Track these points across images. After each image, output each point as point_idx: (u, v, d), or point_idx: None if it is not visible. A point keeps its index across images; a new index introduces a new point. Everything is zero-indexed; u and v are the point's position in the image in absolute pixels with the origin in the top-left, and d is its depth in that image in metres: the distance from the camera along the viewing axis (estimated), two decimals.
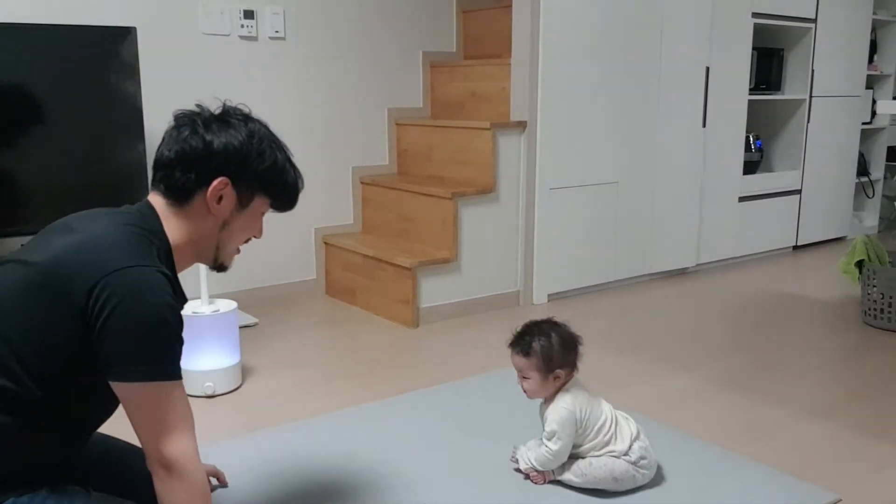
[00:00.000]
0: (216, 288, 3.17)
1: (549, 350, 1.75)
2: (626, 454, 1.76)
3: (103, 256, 1.17)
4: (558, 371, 1.76)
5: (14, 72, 2.45)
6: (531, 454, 1.81)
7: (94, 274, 1.15)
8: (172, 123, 1.34)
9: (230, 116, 1.35)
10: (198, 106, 1.37)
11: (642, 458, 1.77)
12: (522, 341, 1.77)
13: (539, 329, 1.77)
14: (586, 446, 1.78)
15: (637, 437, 1.79)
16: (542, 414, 1.82)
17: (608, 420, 1.78)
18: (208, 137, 1.30)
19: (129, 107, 2.66)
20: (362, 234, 3.58)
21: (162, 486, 1.21)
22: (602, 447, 1.77)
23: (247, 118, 1.36)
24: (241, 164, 1.32)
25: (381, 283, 3.19)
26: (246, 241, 1.43)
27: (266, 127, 1.38)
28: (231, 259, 1.42)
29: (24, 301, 1.18)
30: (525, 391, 1.81)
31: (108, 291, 1.14)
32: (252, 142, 1.33)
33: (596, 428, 1.76)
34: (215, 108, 1.37)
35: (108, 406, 1.32)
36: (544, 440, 1.77)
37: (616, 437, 1.77)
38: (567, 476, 1.78)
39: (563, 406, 1.75)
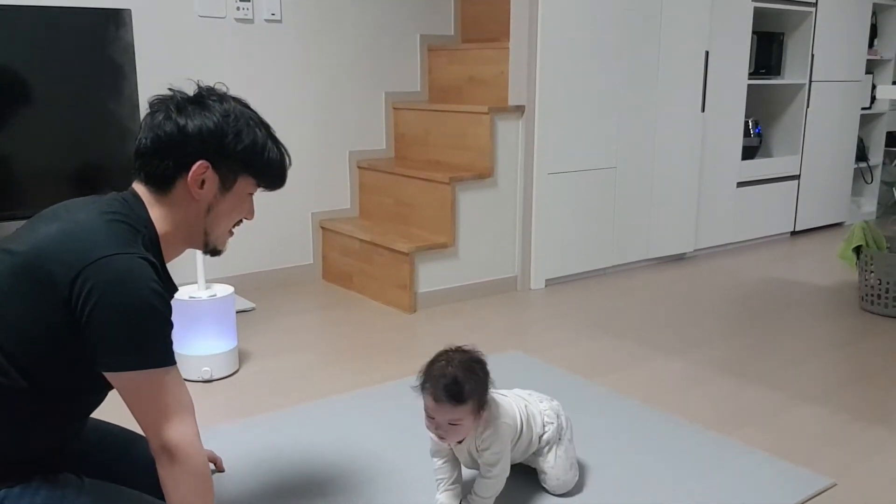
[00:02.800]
0: (213, 273, 3.17)
1: (481, 385, 1.52)
2: (545, 427, 1.72)
3: (85, 245, 1.16)
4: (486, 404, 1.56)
5: (7, 54, 2.43)
6: (480, 499, 1.62)
7: (77, 263, 1.14)
8: (147, 110, 1.31)
9: (205, 98, 1.31)
10: (170, 89, 1.33)
11: (557, 416, 1.74)
12: (450, 389, 1.48)
13: (457, 366, 1.51)
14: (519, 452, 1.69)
15: (543, 405, 1.74)
16: (460, 453, 1.62)
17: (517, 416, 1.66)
18: (181, 121, 1.27)
19: (125, 90, 2.64)
20: (359, 219, 3.57)
21: (165, 471, 1.20)
22: (537, 443, 1.71)
23: (222, 98, 1.32)
24: (218, 145, 1.29)
25: (379, 267, 3.19)
26: (237, 224, 1.40)
27: (245, 105, 1.35)
28: (224, 243, 1.40)
29: (7, 290, 1.16)
30: (444, 439, 1.54)
31: (91, 281, 1.13)
32: (228, 121, 1.29)
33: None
34: (193, 90, 1.34)
35: (98, 394, 1.31)
36: (487, 471, 1.60)
37: (533, 423, 1.69)
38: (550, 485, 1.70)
39: (504, 431, 1.59)
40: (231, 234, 1.41)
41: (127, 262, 1.16)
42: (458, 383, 1.49)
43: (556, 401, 1.79)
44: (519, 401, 1.71)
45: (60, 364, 1.18)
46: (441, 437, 1.54)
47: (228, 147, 1.30)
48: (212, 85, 1.35)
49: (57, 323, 1.15)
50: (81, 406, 1.32)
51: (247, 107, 1.35)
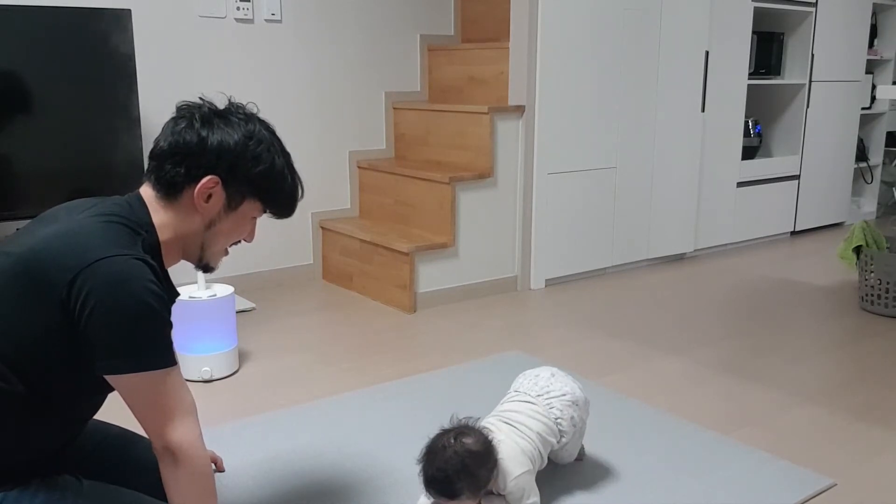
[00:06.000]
0: (213, 272, 3.16)
1: (475, 480, 1.49)
2: (561, 437, 1.68)
3: (82, 247, 1.15)
4: (489, 483, 1.53)
5: (6, 55, 2.43)
6: None
7: (73, 266, 1.13)
8: (174, 114, 1.31)
9: (231, 114, 1.31)
10: (200, 99, 1.33)
11: (573, 422, 1.69)
12: (441, 485, 1.48)
13: (452, 457, 1.48)
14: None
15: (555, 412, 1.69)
16: None
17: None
18: (203, 133, 1.27)
19: (125, 90, 2.64)
20: (359, 219, 3.57)
21: (168, 472, 1.20)
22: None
23: (248, 118, 1.32)
24: (232, 164, 1.28)
25: (379, 267, 3.19)
26: (235, 244, 1.39)
27: (271, 130, 1.34)
28: (217, 260, 1.39)
29: (3, 293, 1.15)
30: None
31: (89, 284, 1.12)
32: (248, 143, 1.29)
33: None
34: (223, 103, 1.34)
35: (98, 397, 1.31)
36: None
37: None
38: None
39: (519, 474, 1.57)
40: (226, 253, 1.40)
41: (123, 264, 1.15)
42: (449, 482, 1.48)
43: (571, 391, 1.71)
44: (527, 443, 1.63)
45: (59, 367, 1.17)
46: None
47: (243, 168, 1.29)
48: (243, 103, 1.35)
49: (55, 326, 1.14)
50: (81, 409, 1.31)
51: (273, 133, 1.35)
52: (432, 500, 1.60)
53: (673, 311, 3.10)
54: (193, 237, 1.33)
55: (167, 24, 3.00)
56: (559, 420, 1.68)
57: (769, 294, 3.34)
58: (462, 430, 1.53)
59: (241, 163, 1.29)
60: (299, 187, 1.38)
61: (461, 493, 1.49)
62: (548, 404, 1.68)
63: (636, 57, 3.50)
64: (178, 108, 1.32)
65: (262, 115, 1.36)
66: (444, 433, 1.53)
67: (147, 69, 2.96)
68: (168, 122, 1.30)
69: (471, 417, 1.59)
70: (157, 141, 1.30)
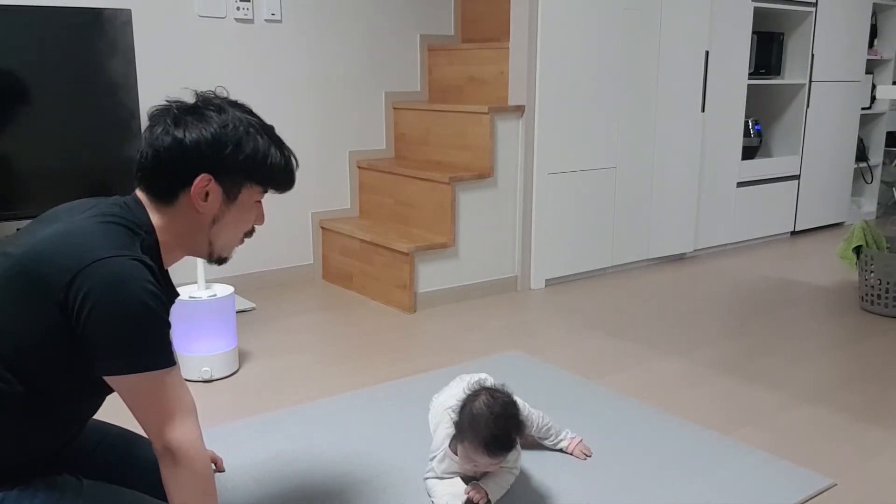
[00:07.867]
0: (213, 273, 3.17)
1: (524, 427, 1.58)
2: None
3: (80, 249, 1.14)
4: None
5: (6, 55, 2.43)
6: (497, 486, 1.66)
7: (72, 267, 1.12)
8: (147, 122, 1.28)
9: (202, 107, 1.28)
10: (167, 100, 1.29)
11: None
12: (503, 441, 1.53)
13: (501, 412, 1.53)
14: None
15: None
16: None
17: None
18: (179, 134, 1.24)
19: (125, 90, 2.64)
20: (359, 219, 3.57)
21: (168, 472, 1.20)
22: None
23: (220, 107, 1.28)
24: (217, 157, 1.25)
25: (379, 268, 3.19)
26: (248, 233, 1.37)
27: (246, 111, 1.31)
28: (230, 251, 1.37)
29: (2, 293, 1.15)
30: (484, 473, 1.63)
31: (87, 286, 1.11)
32: (226, 132, 1.26)
33: None
34: (193, 98, 1.30)
35: (97, 398, 1.30)
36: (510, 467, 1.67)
37: None
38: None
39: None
40: (241, 242, 1.38)
41: (121, 265, 1.14)
42: (509, 437, 1.53)
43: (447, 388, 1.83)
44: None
45: (58, 368, 1.17)
46: (475, 472, 1.63)
47: (229, 158, 1.26)
48: (212, 90, 1.32)
49: (54, 327, 1.14)
50: (81, 410, 1.31)
51: (249, 112, 1.31)
52: (460, 499, 1.61)
53: (673, 311, 3.10)
54: (198, 236, 1.31)
55: (167, 24, 3.00)
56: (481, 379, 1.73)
57: (769, 294, 3.34)
58: (489, 390, 1.58)
59: (224, 154, 1.26)
60: (291, 158, 1.35)
61: (516, 443, 1.56)
62: (459, 381, 1.79)
63: (636, 57, 3.50)
64: (150, 115, 1.29)
65: (240, 101, 1.32)
66: (474, 396, 1.57)
67: (147, 69, 2.96)
68: (145, 131, 1.27)
69: (483, 378, 1.67)
70: (140, 153, 1.27)
